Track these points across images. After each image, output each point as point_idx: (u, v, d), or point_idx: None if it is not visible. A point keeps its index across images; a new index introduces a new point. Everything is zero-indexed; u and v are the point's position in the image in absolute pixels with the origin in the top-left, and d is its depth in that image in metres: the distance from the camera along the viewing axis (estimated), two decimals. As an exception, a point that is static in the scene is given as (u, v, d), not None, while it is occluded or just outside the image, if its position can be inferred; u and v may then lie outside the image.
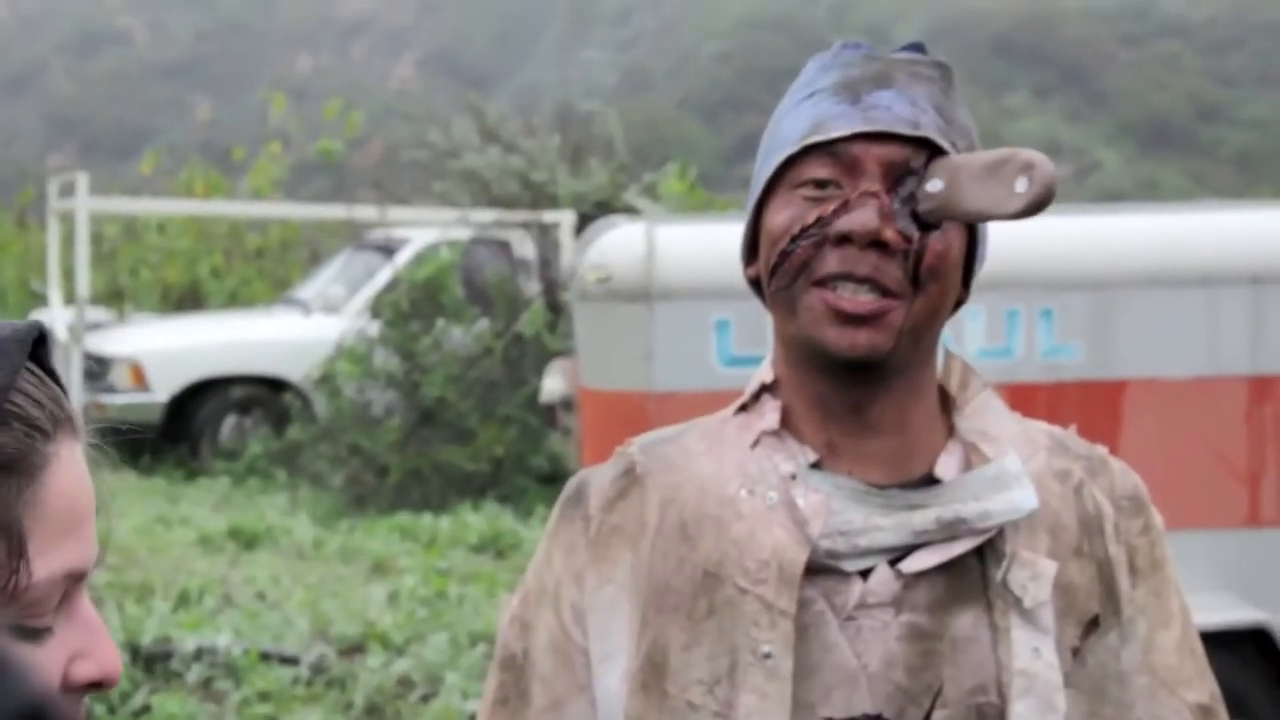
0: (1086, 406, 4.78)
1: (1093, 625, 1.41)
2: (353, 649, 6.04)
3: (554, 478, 9.03)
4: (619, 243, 4.85)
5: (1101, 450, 1.51)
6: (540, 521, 7.94)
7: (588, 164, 11.31)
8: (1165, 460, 4.76)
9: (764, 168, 1.43)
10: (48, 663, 0.93)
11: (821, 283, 1.35)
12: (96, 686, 0.96)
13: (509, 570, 7.35)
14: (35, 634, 0.92)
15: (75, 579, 0.94)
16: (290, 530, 8.28)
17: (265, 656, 5.86)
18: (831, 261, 1.35)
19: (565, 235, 10.12)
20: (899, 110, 1.37)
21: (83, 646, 0.96)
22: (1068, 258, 4.86)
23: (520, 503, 9.02)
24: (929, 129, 1.37)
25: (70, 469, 0.94)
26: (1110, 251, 4.90)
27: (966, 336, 4.75)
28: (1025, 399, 4.70)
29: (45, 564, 0.91)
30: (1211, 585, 4.73)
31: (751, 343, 4.60)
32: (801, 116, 1.41)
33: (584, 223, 9.09)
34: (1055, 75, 78.85)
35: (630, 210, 9.76)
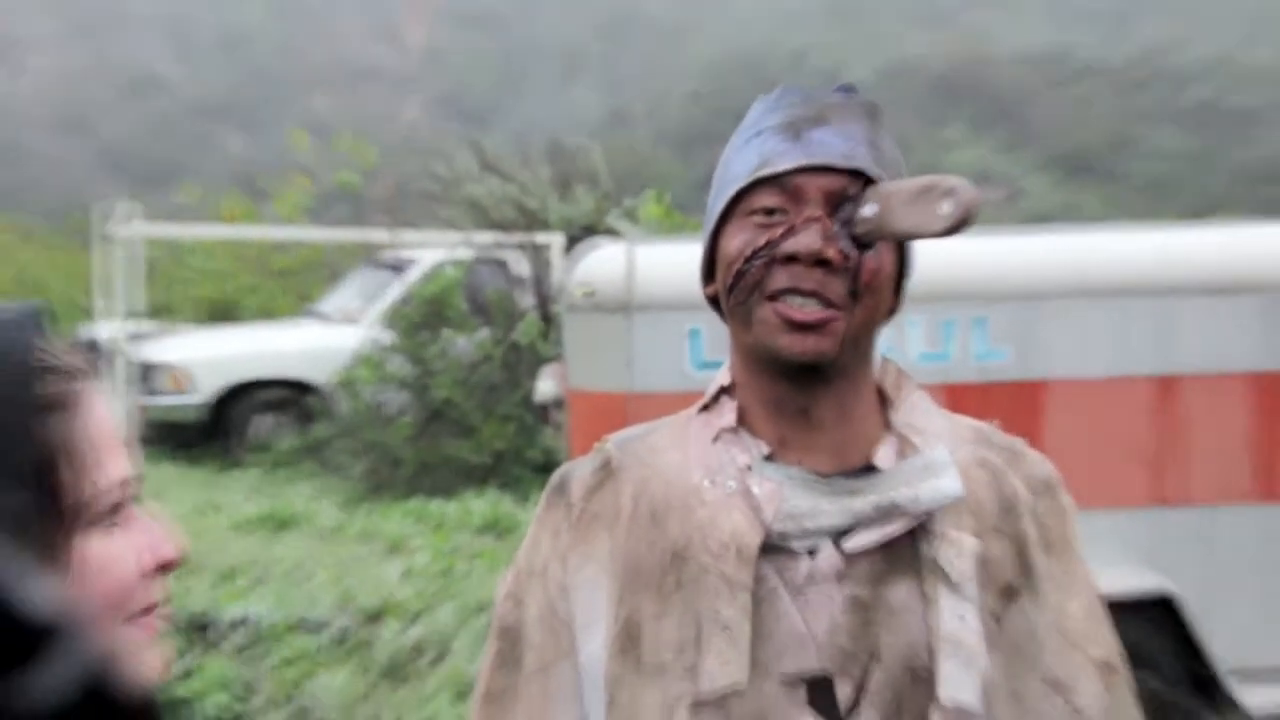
0: (1014, 404, 4.79)
1: (1010, 594, 1.41)
2: (372, 618, 6.04)
3: (547, 468, 9.02)
4: (603, 261, 4.84)
5: (1019, 442, 1.51)
6: (535, 506, 7.94)
7: (575, 192, 11.30)
8: (1083, 448, 4.78)
9: (718, 199, 1.44)
10: (127, 553, 1.00)
11: (773, 297, 1.36)
12: (167, 567, 1.04)
13: (508, 549, 7.34)
14: (110, 531, 1.00)
15: (126, 485, 1.01)
16: (317, 515, 8.27)
17: (296, 625, 5.85)
18: (781, 278, 1.35)
19: (556, 255, 10.12)
20: (835, 145, 1.37)
21: (146, 539, 1.03)
22: (998, 273, 4.87)
23: (518, 490, 9.02)
24: (862, 161, 1.37)
25: (98, 402, 1.01)
26: (1036, 267, 4.91)
27: (909, 342, 4.76)
28: (961, 397, 4.72)
29: (104, 474, 0.98)
30: (1123, 557, 4.75)
31: (720, 349, 4.61)
32: (750, 153, 1.41)
33: (572, 244, 9.09)
34: (988, 112, 78.92)
35: (613, 232, 9.76)
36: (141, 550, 1.02)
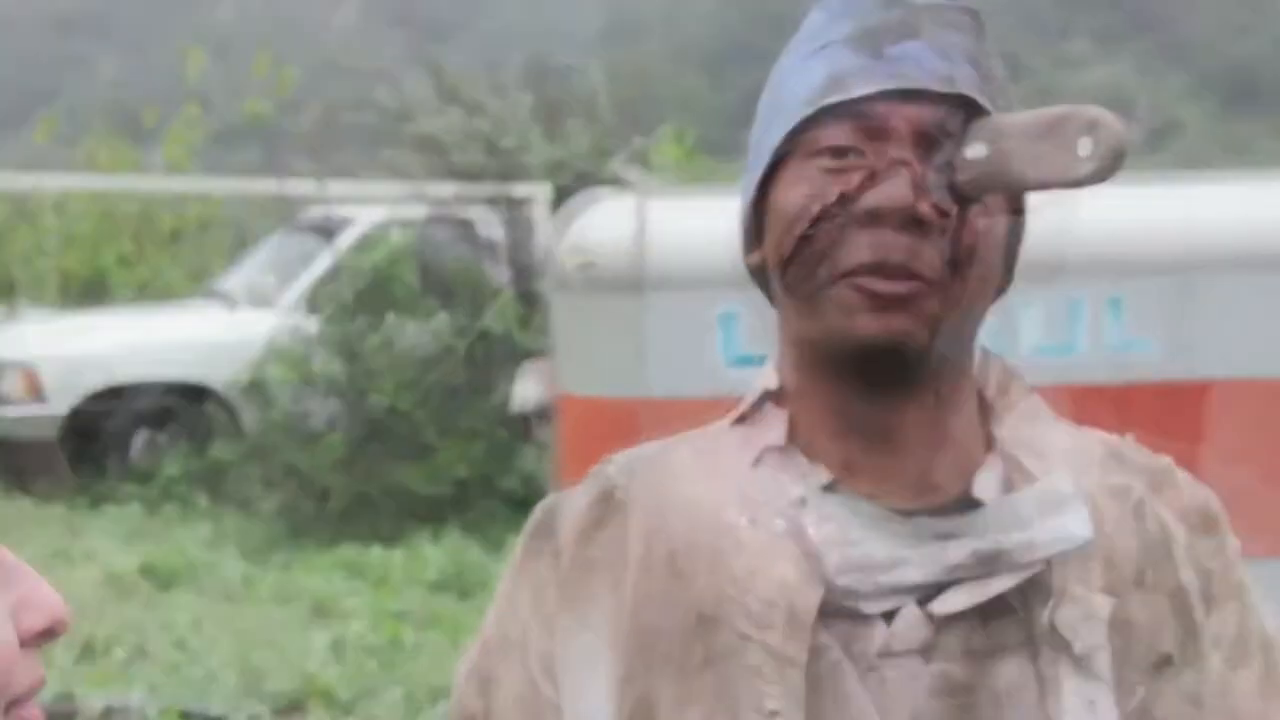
0: (1163, 412, 4.79)
1: (1162, 666, 1.40)
2: (290, 708, 6.05)
3: (527, 502, 9.02)
4: (604, 221, 4.85)
5: (1165, 460, 1.50)
6: (511, 554, 7.93)
7: (565, 127, 11.30)
8: (1258, 473, 4.77)
9: (768, 135, 1.41)
10: (2, 619, 0.96)
11: (851, 273, 1.33)
12: (51, 632, 1.00)
13: (475, 612, 7.33)
14: None
15: None
16: (215, 566, 8.29)
17: (186, 717, 5.86)
18: (861, 249, 1.32)
19: (539, 212, 10.13)
20: (930, 64, 1.35)
21: (21, 595, 0.98)
22: (1142, 237, 4.86)
23: (488, 532, 9.02)
24: (966, 85, 1.35)
25: None
26: (1193, 228, 4.91)
27: (1021, 331, 4.76)
28: (1090, 403, 4.71)
29: None
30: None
31: (763, 339, 4.61)
32: (812, 73, 1.38)
33: (561, 197, 9.10)
34: (1124, 20, 78.94)
35: (617, 182, 9.76)
36: (18, 612, 0.98)
